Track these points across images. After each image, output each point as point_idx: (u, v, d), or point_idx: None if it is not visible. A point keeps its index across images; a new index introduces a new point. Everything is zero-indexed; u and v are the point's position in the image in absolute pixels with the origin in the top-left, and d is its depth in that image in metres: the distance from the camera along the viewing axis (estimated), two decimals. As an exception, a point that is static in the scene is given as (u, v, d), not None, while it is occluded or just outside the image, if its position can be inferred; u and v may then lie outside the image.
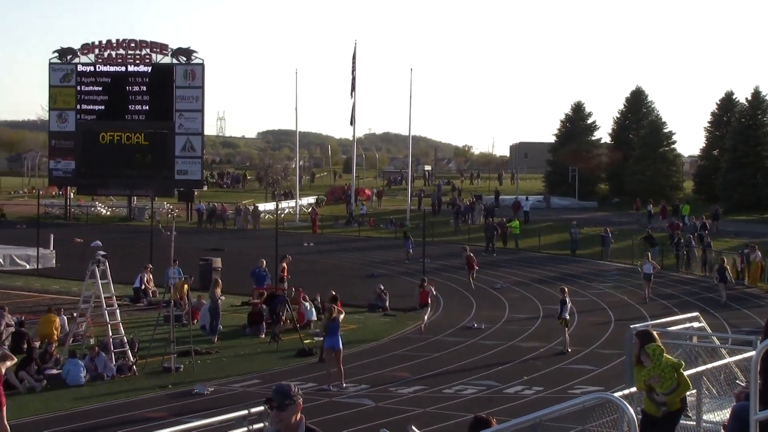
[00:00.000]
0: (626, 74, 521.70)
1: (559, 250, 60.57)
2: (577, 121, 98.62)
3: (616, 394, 10.61)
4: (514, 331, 33.70)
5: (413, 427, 11.38)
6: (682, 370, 12.23)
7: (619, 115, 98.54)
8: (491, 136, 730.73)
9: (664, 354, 12.33)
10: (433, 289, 35.65)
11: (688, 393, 12.64)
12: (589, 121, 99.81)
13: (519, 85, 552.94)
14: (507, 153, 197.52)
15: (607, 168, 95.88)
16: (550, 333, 32.47)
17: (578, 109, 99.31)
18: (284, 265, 38.91)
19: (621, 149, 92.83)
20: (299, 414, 7.46)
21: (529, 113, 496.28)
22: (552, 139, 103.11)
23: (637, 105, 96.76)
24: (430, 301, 34.47)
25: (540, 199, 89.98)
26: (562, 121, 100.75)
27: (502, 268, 52.43)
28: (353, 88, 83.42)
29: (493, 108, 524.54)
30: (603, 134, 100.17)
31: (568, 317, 30.68)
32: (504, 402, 22.05)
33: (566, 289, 31.75)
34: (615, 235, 58.59)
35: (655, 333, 12.80)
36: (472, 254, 46.68)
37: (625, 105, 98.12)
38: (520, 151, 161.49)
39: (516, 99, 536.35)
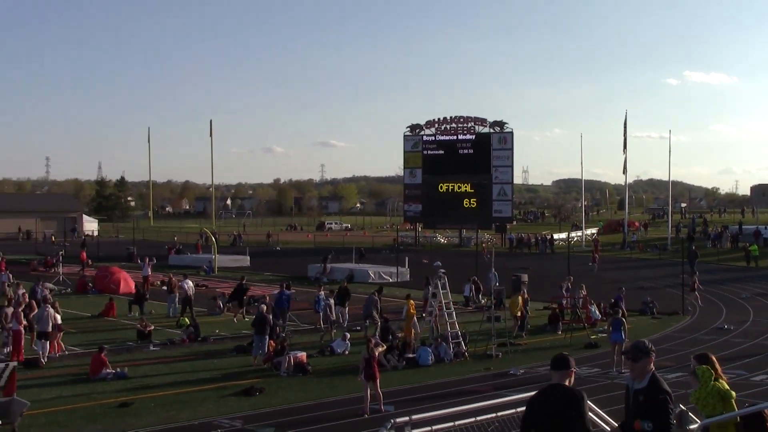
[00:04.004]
0: None
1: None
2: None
3: None
4: (759, 331, 31.21)
5: (680, 405, 10.81)
6: (733, 402, 8.68)
7: None
8: (734, 180, 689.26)
9: (712, 379, 8.75)
10: None
11: None
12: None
13: (760, 135, 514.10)
14: (748, 193, 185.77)
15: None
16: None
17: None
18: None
19: None
20: (651, 366, 7.24)
21: None
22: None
23: None
24: None
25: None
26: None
27: (747, 282, 49.23)
28: (625, 146, 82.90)
29: (737, 156, 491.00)
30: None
31: None
32: (751, 387, 20.50)
33: None
34: None
35: (713, 357, 9.05)
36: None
37: None
38: (759, 191, 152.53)
39: (757, 146, 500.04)
